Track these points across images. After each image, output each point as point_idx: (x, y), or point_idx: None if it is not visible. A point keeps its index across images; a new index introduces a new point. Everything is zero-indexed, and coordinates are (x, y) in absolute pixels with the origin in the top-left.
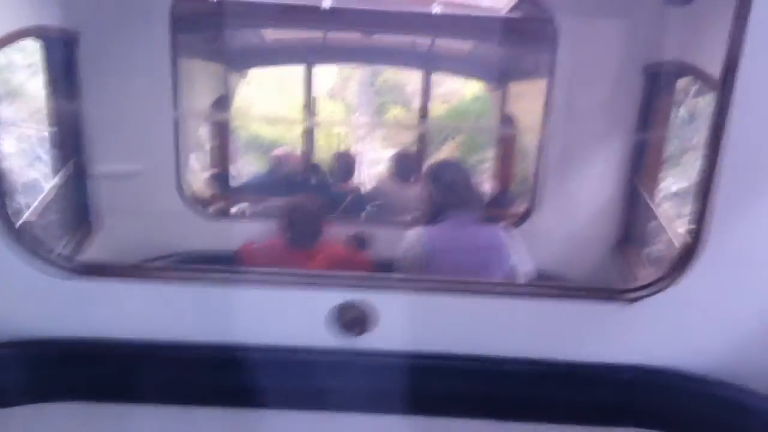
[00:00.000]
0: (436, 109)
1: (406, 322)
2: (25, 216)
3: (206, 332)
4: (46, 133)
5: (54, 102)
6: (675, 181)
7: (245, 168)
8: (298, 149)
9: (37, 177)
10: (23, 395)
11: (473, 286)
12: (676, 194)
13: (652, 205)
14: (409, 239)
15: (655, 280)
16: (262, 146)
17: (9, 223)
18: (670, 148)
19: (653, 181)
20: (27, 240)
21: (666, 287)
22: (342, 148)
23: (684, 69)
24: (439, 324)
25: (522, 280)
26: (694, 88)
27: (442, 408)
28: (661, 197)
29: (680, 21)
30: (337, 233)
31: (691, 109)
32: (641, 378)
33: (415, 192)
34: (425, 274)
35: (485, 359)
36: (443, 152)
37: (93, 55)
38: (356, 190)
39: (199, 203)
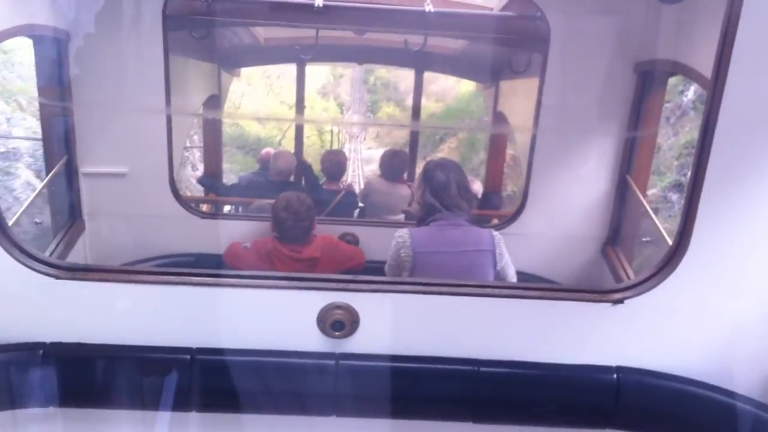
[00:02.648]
0: (431, 107)
1: (392, 324)
2: (17, 216)
3: (195, 334)
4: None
5: (44, 100)
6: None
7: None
8: (288, 148)
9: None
10: (8, 399)
11: (459, 287)
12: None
13: (644, 203)
14: (398, 240)
15: (640, 281)
16: (252, 145)
17: (0, 224)
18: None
19: (644, 180)
20: (18, 240)
21: (651, 288)
22: (333, 146)
23: (675, 67)
24: (425, 326)
25: (512, 281)
26: None
27: (428, 411)
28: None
29: (672, 19)
30: (326, 232)
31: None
32: (626, 379)
33: (404, 191)
34: (413, 275)
35: (471, 361)
36: (440, 152)
37: (84, 53)
38: (346, 190)
39: (190, 202)
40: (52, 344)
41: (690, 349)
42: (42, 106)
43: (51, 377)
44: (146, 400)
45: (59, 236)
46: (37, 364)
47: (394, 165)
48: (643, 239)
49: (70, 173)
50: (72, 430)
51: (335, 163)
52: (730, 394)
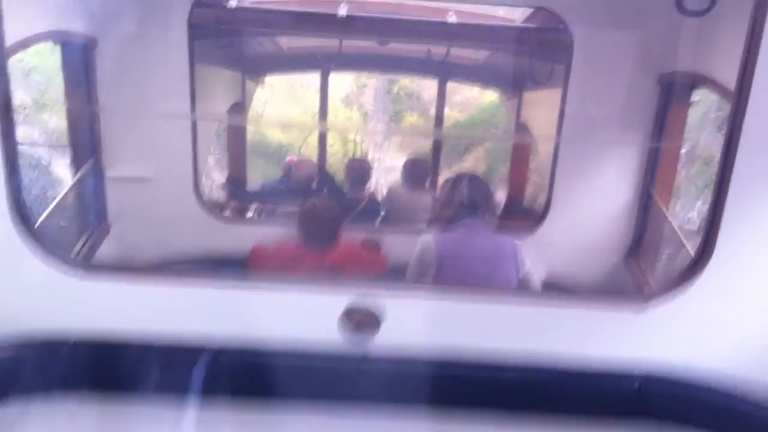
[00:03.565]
0: (454, 117)
1: (415, 328)
2: (44, 216)
3: (218, 333)
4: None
5: (72, 105)
6: None
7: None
8: (311, 156)
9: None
10: (36, 390)
11: (483, 293)
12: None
13: (666, 213)
14: (421, 245)
15: (665, 289)
16: (274, 152)
17: (28, 223)
18: None
19: (668, 190)
20: (45, 240)
21: (675, 296)
22: (357, 155)
23: (699, 80)
24: (448, 330)
25: (536, 288)
26: None
27: (450, 414)
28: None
29: (695, 31)
30: (348, 239)
31: None
32: (650, 387)
33: (426, 199)
34: (435, 280)
35: (493, 367)
36: (467, 161)
37: (111, 60)
38: (369, 198)
39: (215, 207)
40: (77, 342)
41: (713, 358)
42: (69, 110)
43: (75, 374)
44: (169, 399)
45: (84, 238)
46: (61, 361)
47: (415, 173)
48: (666, 250)
49: (96, 176)
50: (96, 426)
51: (359, 171)
52: (755, 402)
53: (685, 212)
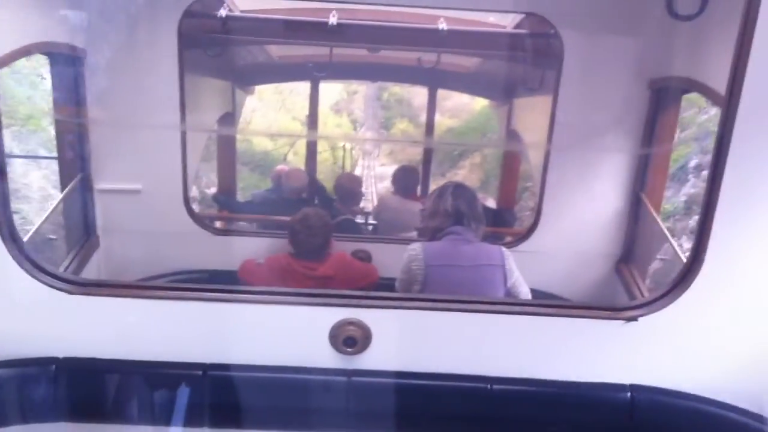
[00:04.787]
0: (446, 123)
1: (405, 341)
2: (32, 232)
3: (208, 350)
4: None
5: (60, 117)
6: None
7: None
8: (295, 164)
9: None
10: (20, 414)
11: (472, 304)
12: None
13: (658, 220)
14: (409, 254)
15: (654, 299)
16: (259, 161)
17: (16, 239)
18: None
19: (659, 196)
20: (32, 255)
21: (666, 306)
22: (346, 163)
23: (690, 84)
24: (437, 342)
25: (524, 297)
26: None
27: (440, 428)
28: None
29: (686, 36)
30: (339, 249)
31: None
32: (640, 397)
33: (417, 207)
34: (424, 288)
35: (483, 378)
36: (462, 169)
37: (100, 71)
38: (360, 211)
39: (204, 219)
40: (65, 359)
41: (704, 368)
42: (57, 122)
43: (63, 392)
44: (158, 415)
45: (73, 252)
46: (49, 379)
47: (406, 181)
48: (658, 257)
49: (85, 190)
50: None
51: (348, 189)
52: (746, 413)
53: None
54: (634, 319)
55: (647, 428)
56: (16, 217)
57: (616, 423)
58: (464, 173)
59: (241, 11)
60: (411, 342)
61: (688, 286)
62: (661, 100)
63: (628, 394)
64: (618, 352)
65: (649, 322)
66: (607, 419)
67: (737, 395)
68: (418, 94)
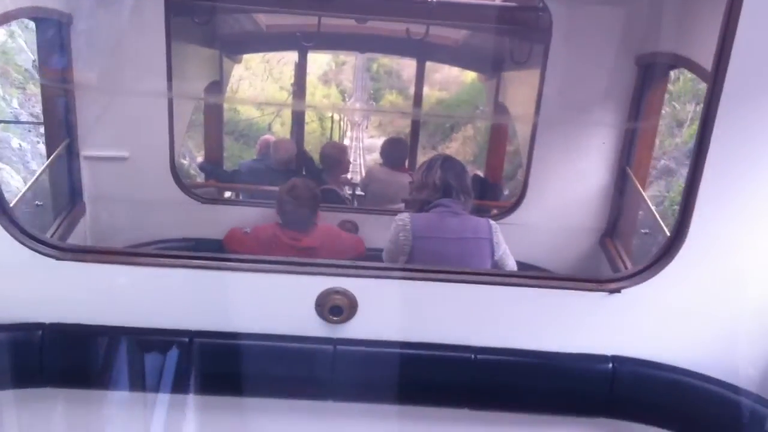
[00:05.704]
0: (434, 96)
1: (390, 310)
2: (18, 197)
3: (194, 317)
4: None
5: (46, 83)
6: None
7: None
8: (279, 133)
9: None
10: (7, 379)
11: (457, 274)
12: None
13: (643, 195)
14: (398, 223)
15: (638, 271)
16: (243, 130)
17: (2, 205)
18: None
19: (644, 171)
20: (19, 221)
21: (649, 278)
22: (335, 134)
23: (677, 60)
24: (423, 312)
25: (511, 269)
26: None
27: (424, 397)
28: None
29: (674, 11)
30: (326, 220)
31: None
32: (622, 368)
33: (405, 179)
34: (411, 259)
35: (467, 348)
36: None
37: (86, 36)
38: (348, 182)
39: (191, 187)
40: (52, 324)
41: (686, 340)
42: (44, 88)
43: (49, 357)
44: (144, 381)
45: (60, 218)
46: (36, 344)
47: (394, 153)
48: (642, 231)
49: (71, 156)
50: (70, 410)
51: (334, 157)
52: (726, 385)
53: None
54: (617, 291)
55: (627, 399)
56: None
57: (597, 393)
58: (456, 146)
59: None
60: (396, 311)
61: (671, 259)
62: (649, 75)
63: (610, 365)
64: (601, 323)
65: (632, 294)
66: (588, 389)
67: (716, 367)
68: (408, 66)
